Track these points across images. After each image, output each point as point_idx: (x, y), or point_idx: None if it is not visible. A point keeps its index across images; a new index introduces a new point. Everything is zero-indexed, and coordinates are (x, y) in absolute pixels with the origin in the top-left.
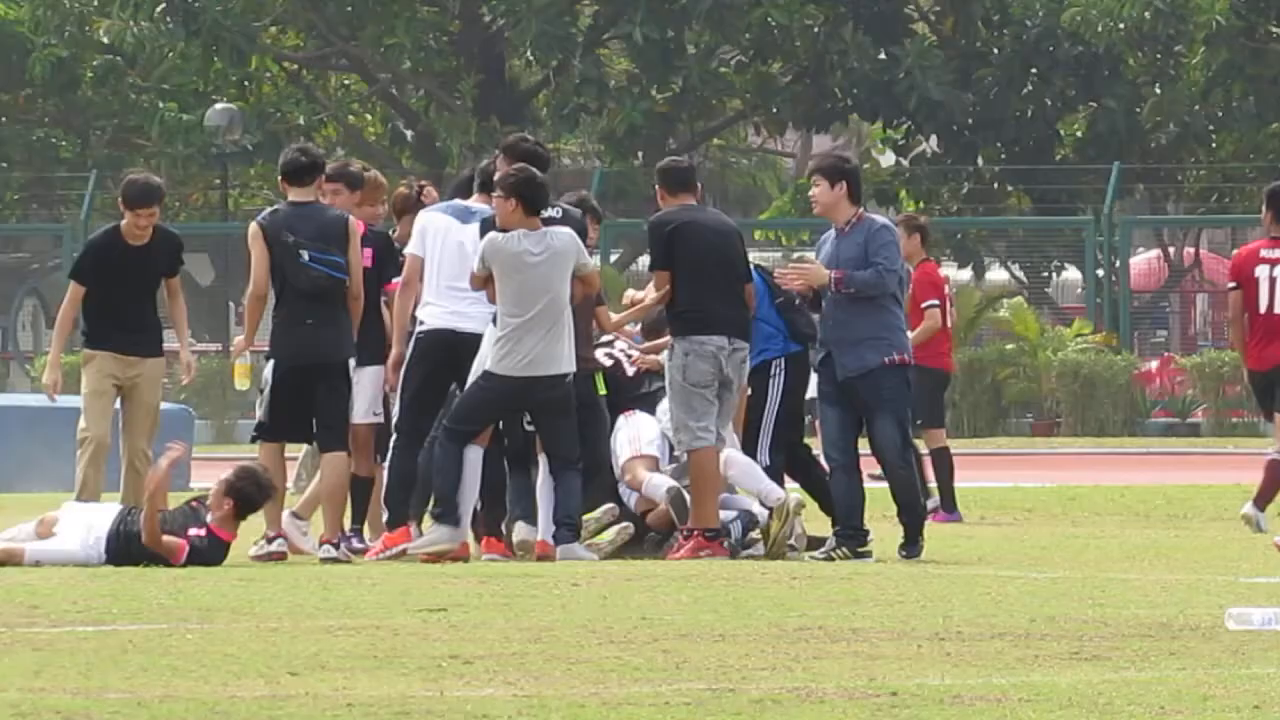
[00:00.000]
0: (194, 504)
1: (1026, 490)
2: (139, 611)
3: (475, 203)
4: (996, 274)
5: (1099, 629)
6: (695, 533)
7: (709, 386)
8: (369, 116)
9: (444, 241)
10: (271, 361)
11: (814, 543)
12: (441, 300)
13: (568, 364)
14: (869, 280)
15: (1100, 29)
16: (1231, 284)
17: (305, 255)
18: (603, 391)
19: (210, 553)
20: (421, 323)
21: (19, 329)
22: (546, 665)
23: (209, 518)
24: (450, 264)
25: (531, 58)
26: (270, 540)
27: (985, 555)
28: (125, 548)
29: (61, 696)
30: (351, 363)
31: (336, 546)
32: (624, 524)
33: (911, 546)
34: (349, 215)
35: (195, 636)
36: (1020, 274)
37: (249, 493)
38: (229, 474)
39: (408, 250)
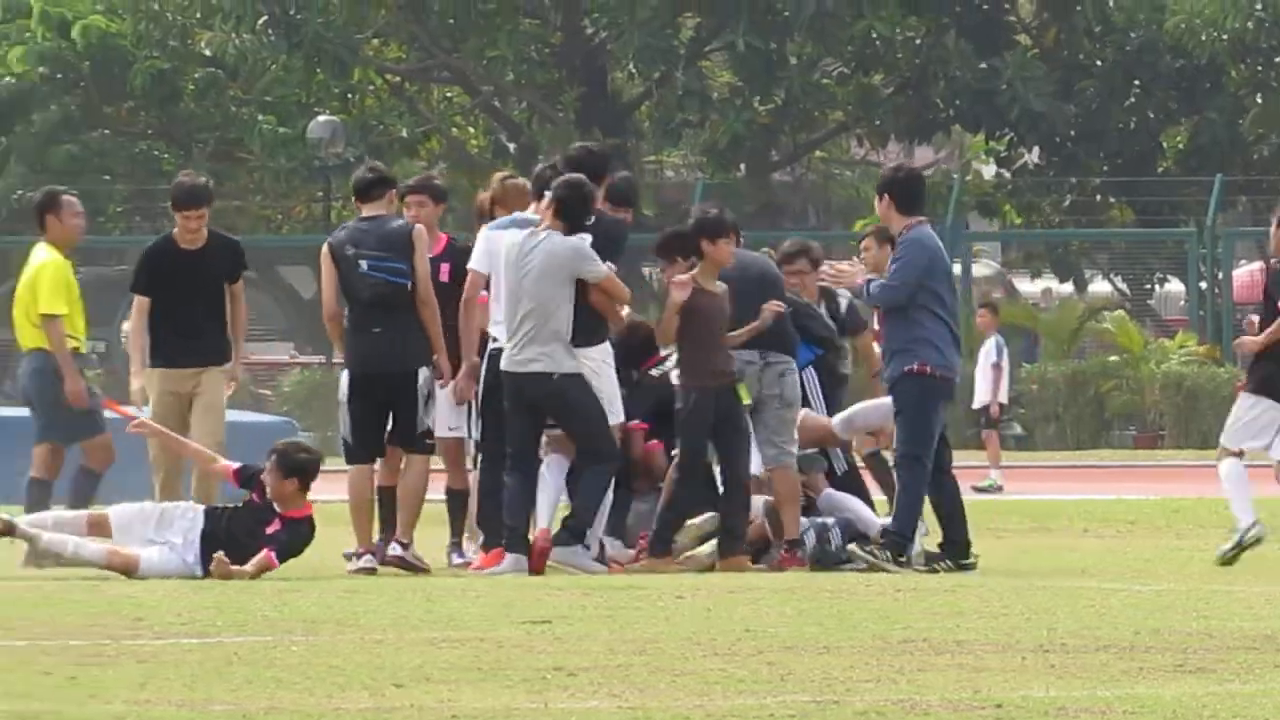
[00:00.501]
0: (253, 501)
1: (1130, 502)
2: (244, 624)
3: (534, 213)
4: (1099, 286)
5: (1203, 641)
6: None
7: None
8: (471, 129)
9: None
10: (345, 372)
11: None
12: None
13: (553, 364)
14: (871, 292)
15: (1203, 39)
16: None
17: (364, 265)
18: (746, 401)
19: (294, 541)
20: (495, 340)
21: (122, 341)
22: (651, 677)
23: (277, 508)
24: None
25: (634, 70)
26: (359, 556)
27: (1089, 568)
28: (221, 548)
29: (166, 709)
30: (424, 372)
31: (405, 547)
32: (775, 542)
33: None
34: (415, 226)
35: (300, 648)
36: (1123, 286)
37: (304, 463)
38: (275, 460)
39: (471, 265)
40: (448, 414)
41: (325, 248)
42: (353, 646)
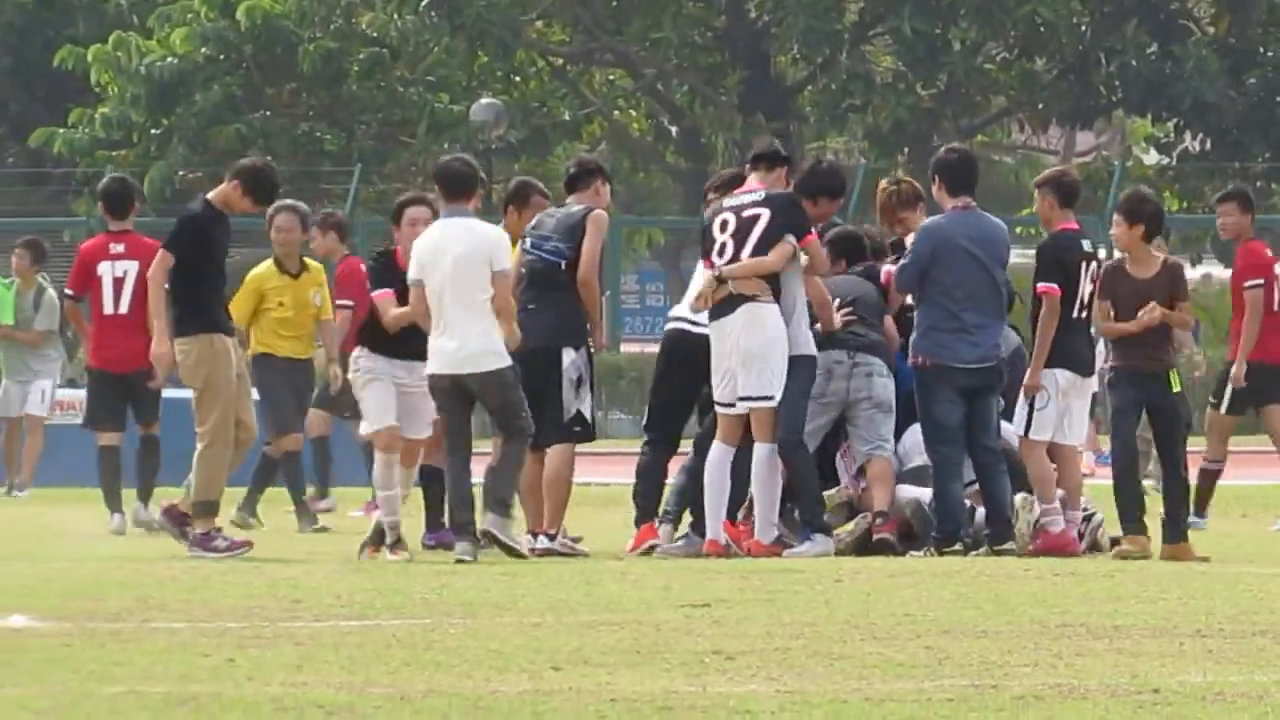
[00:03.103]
0: None
1: None
2: (402, 606)
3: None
4: None
5: None
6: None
7: (815, 399)
8: (633, 112)
9: None
10: None
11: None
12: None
13: None
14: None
15: None
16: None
17: (527, 243)
18: (1176, 389)
19: None
20: (670, 321)
21: None
22: (809, 661)
23: None
24: None
25: (797, 53)
26: (534, 536)
27: (1247, 553)
28: None
29: (324, 691)
30: (571, 355)
31: (551, 538)
32: (863, 514)
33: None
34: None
35: (458, 631)
36: None
37: None
38: None
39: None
40: None
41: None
42: (511, 629)
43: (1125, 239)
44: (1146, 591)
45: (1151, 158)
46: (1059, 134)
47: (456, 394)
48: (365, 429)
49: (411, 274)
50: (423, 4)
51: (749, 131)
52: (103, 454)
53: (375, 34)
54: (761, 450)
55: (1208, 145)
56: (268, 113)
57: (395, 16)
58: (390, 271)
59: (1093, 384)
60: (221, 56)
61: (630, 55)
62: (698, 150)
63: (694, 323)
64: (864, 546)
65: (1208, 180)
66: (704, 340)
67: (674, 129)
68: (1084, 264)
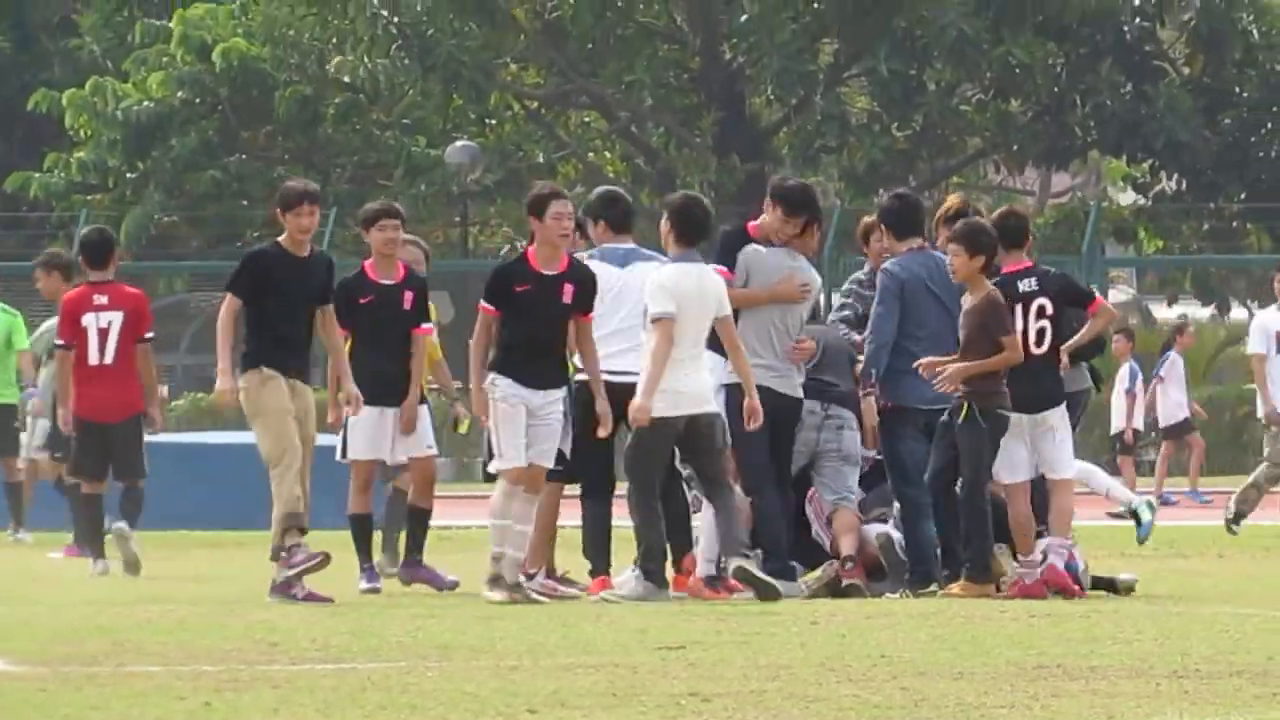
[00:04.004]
0: None
1: (1265, 528)
2: (378, 649)
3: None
4: (1237, 312)
5: None
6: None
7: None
8: (608, 154)
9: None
10: None
11: (1099, 583)
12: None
13: None
14: (867, 355)
15: None
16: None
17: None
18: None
19: None
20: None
21: None
22: (785, 703)
23: None
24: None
25: (772, 95)
26: (530, 578)
27: (1223, 593)
28: None
29: None
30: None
31: (530, 578)
32: (830, 561)
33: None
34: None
35: (434, 675)
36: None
37: None
38: None
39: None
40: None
41: None
42: (487, 672)
43: (964, 270)
44: (1123, 632)
45: (1128, 198)
46: (1035, 175)
47: (676, 437)
48: (496, 465)
49: (667, 307)
50: (394, 47)
51: (724, 173)
52: (85, 501)
53: (347, 78)
54: None
55: (1183, 185)
56: (243, 156)
57: (366, 59)
58: (524, 270)
59: (1055, 416)
60: (198, 100)
61: (605, 97)
62: (672, 191)
63: (611, 372)
64: (834, 592)
65: (1184, 220)
66: (620, 388)
67: (649, 170)
68: (1021, 305)
